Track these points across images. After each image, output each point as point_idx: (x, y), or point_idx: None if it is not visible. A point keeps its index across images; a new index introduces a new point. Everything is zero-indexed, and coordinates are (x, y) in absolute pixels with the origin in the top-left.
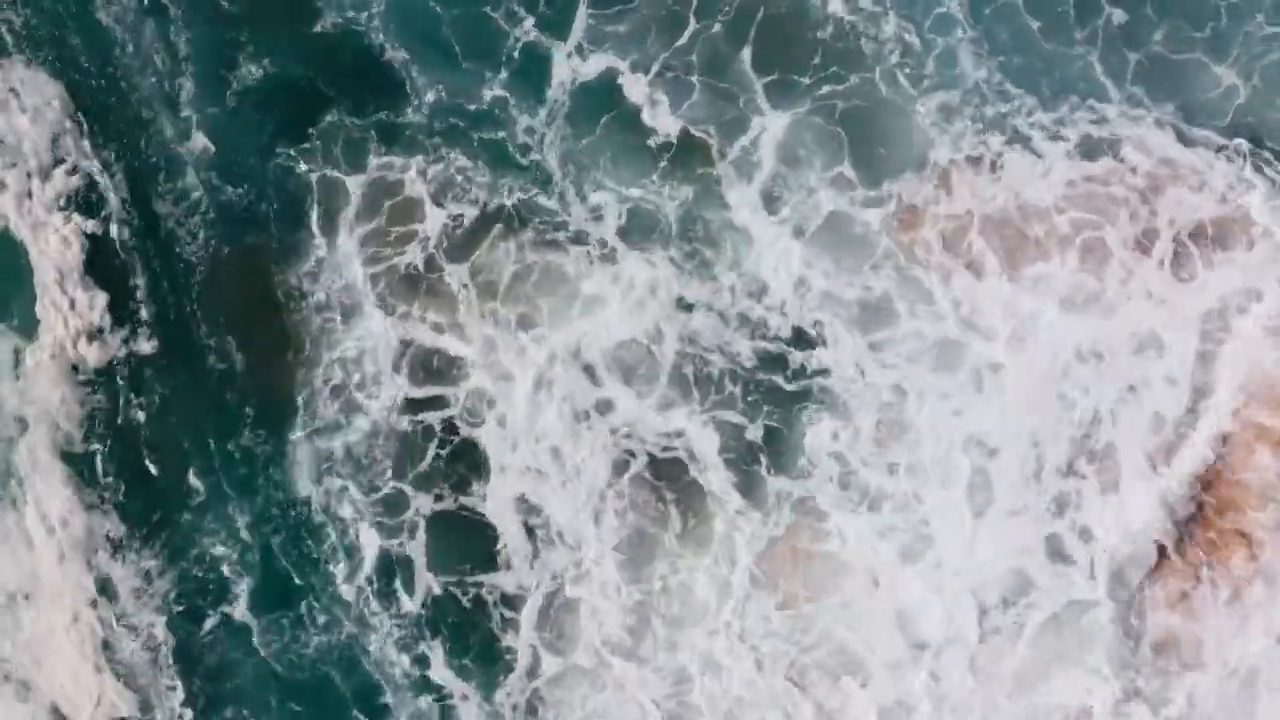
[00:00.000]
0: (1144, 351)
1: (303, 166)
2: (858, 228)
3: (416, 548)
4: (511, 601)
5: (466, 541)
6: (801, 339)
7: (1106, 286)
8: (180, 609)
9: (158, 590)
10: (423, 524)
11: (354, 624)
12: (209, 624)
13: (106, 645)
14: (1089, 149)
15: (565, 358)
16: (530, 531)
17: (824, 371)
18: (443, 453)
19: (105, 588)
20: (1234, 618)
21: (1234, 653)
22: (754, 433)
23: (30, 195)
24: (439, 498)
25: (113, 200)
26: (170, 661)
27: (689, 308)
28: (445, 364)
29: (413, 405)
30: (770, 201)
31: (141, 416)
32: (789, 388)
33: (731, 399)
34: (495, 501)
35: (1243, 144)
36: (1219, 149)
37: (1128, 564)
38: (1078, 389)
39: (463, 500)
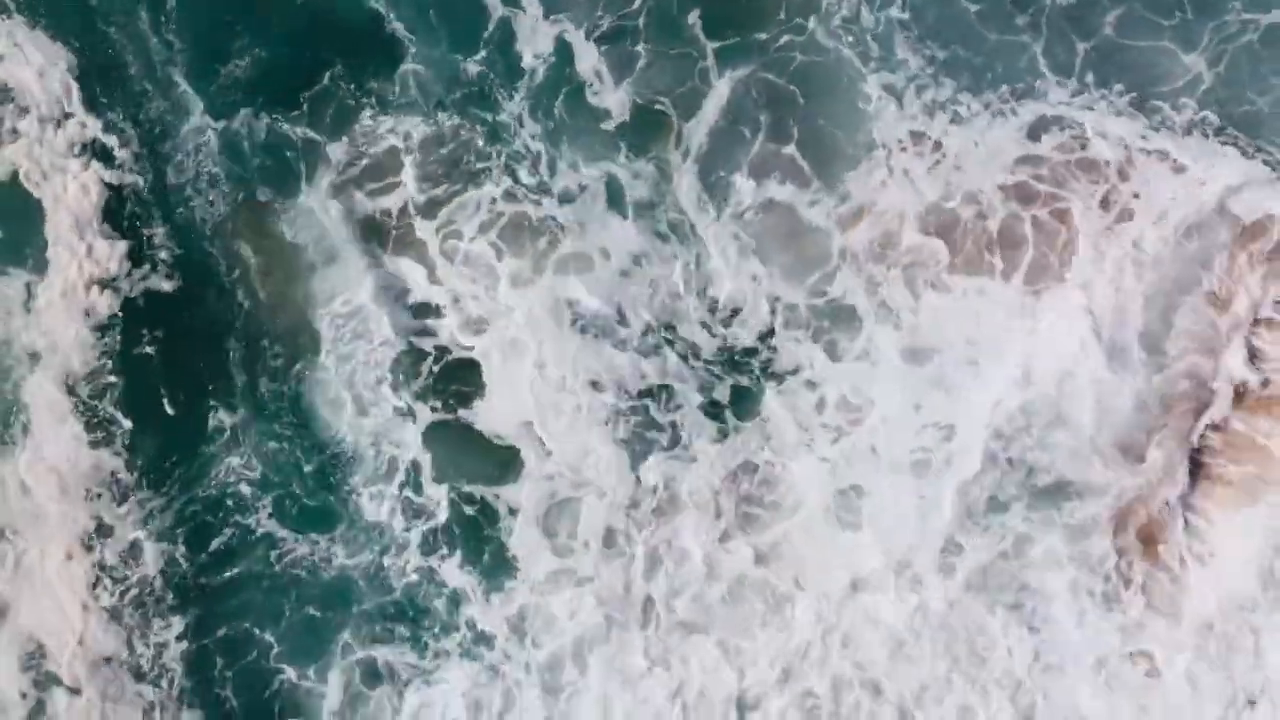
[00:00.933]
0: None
1: (294, 126)
2: (808, 222)
3: (425, 458)
4: (515, 508)
5: (472, 452)
6: (760, 336)
7: (1062, 272)
8: (185, 539)
9: (161, 526)
10: (429, 436)
11: (369, 536)
12: (215, 547)
13: (98, 584)
14: (1039, 132)
15: (540, 310)
16: (530, 440)
17: (789, 371)
18: (436, 368)
19: (102, 527)
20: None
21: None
22: (720, 392)
23: (42, 142)
24: (436, 409)
25: (125, 152)
26: (167, 595)
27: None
28: (422, 308)
29: (412, 332)
30: (718, 192)
31: (152, 353)
32: (745, 380)
33: (694, 371)
34: (494, 415)
35: (1209, 129)
36: (1183, 133)
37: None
38: (1033, 389)
39: (463, 413)
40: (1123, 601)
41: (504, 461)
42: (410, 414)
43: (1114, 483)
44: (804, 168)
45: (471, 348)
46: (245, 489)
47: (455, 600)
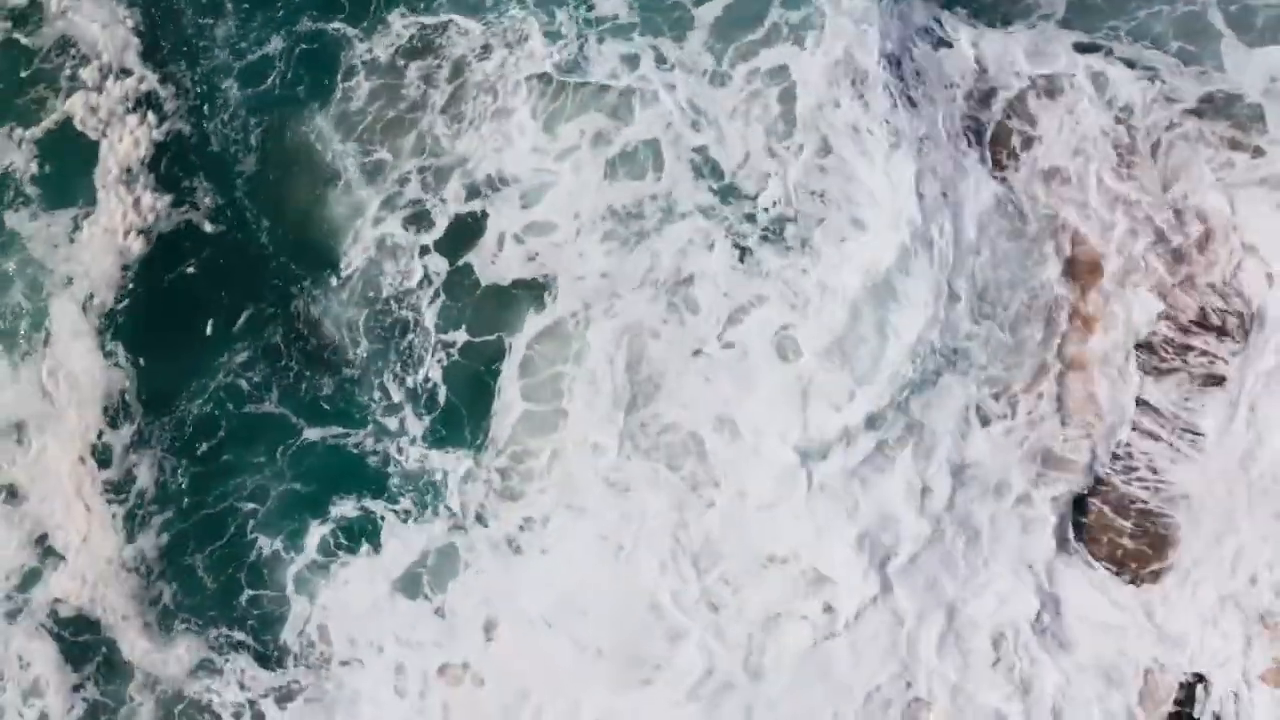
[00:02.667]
0: None
1: (343, 49)
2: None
3: (430, 313)
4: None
5: (485, 308)
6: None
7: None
8: (186, 440)
9: (164, 432)
10: (439, 300)
11: (368, 411)
12: (213, 446)
13: (103, 488)
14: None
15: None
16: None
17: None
18: (452, 224)
19: (108, 434)
20: None
21: None
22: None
23: (101, 91)
24: (454, 265)
25: (178, 102)
26: (162, 493)
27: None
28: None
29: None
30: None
31: (177, 280)
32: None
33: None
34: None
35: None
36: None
37: None
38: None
39: (469, 259)
40: None
41: (519, 308)
42: (425, 265)
43: None
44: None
45: (494, 196)
46: (246, 384)
47: (443, 468)
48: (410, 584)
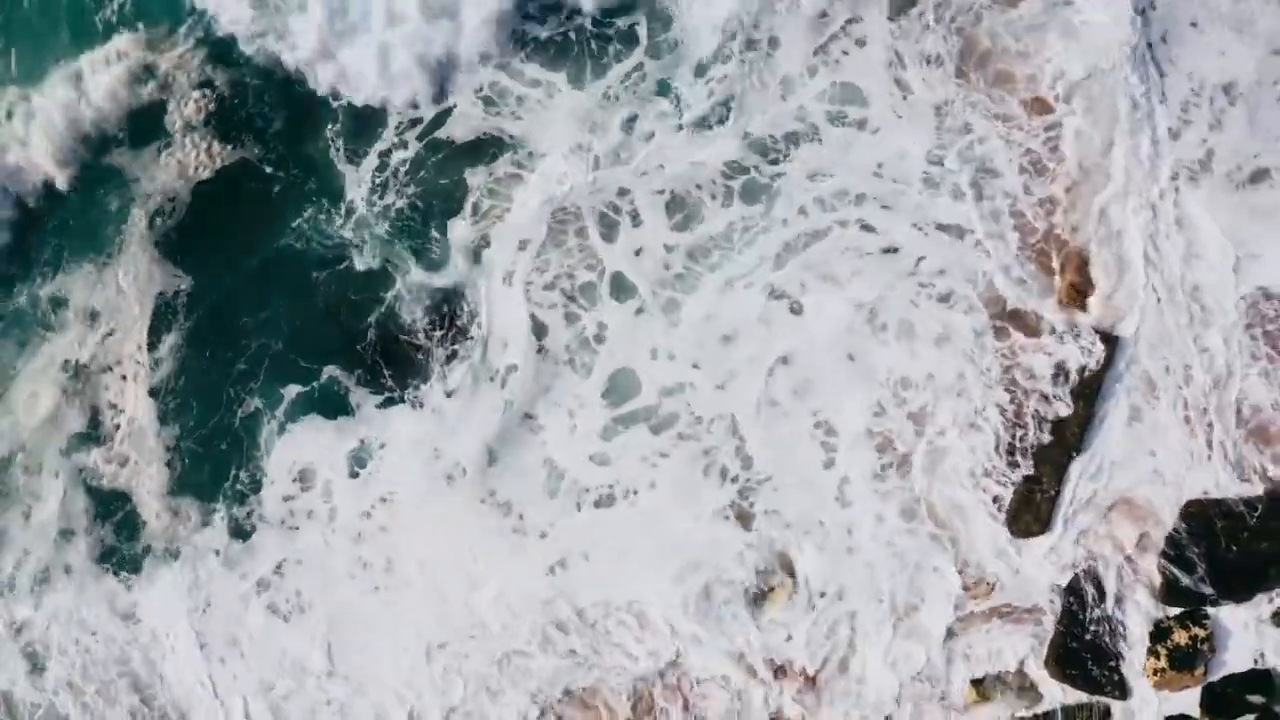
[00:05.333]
0: None
1: None
2: None
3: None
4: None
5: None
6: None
7: None
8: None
9: (195, 323)
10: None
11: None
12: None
13: (150, 380)
14: None
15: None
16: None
17: None
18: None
19: (153, 344)
20: None
21: None
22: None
23: (171, 44)
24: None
25: (226, 75)
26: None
27: None
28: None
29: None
30: None
31: (225, 204)
32: None
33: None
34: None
35: None
36: None
37: None
38: None
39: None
40: None
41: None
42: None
43: None
44: None
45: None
46: (266, 284)
47: (428, 351)
48: (356, 440)
